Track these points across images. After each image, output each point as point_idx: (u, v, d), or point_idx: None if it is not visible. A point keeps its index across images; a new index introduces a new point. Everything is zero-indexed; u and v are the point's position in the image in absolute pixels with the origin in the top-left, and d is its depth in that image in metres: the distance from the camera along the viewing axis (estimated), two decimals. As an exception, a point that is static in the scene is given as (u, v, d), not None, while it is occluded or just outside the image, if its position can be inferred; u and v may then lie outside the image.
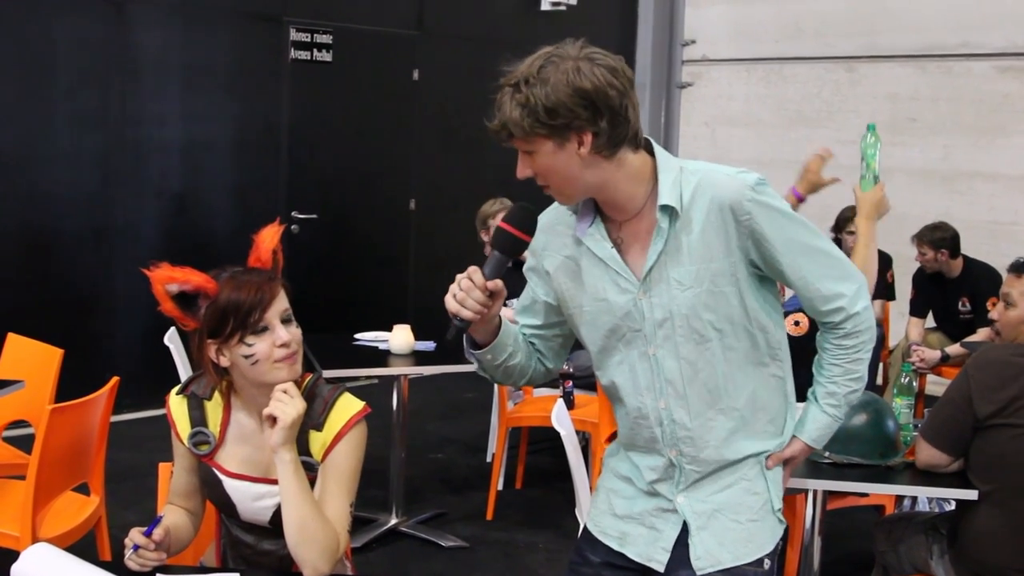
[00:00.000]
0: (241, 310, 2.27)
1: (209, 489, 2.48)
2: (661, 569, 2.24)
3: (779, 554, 2.30)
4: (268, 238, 2.42)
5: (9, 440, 4.52)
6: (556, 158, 2.07)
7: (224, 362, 2.33)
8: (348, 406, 2.38)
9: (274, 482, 2.33)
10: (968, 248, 6.56)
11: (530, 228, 2.16)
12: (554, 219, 2.26)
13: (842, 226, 6.63)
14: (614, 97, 2.04)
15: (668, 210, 2.11)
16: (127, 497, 5.00)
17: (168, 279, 2.30)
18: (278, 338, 2.29)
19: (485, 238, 5.79)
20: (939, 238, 6.38)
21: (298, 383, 2.38)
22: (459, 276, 2.11)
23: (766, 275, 2.20)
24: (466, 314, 2.09)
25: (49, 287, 6.38)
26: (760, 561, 2.24)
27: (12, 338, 4.46)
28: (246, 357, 2.29)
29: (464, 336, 2.20)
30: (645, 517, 2.26)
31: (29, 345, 4.37)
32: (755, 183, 2.13)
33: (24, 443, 4.33)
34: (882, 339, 6.62)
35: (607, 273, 2.17)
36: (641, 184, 2.14)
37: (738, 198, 2.10)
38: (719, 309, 2.13)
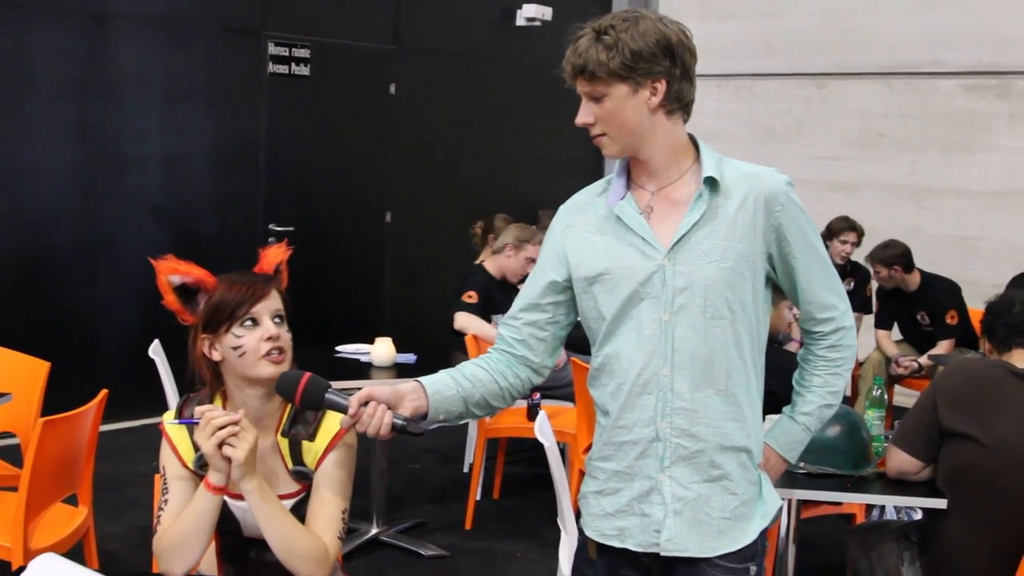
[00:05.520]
0: (231, 304, 2.38)
1: None
2: (661, 552, 2.28)
3: (757, 558, 2.34)
4: (273, 255, 2.54)
5: (-5, 452, 4.55)
6: (626, 103, 2.22)
7: (216, 356, 2.41)
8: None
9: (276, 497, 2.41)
10: (935, 262, 6.68)
11: (292, 390, 2.26)
12: (581, 200, 2.40)
13: (833, 235, 6.92)
14: (688, 56, 2.24)
15: (711, 182, 2.26)
16: (109, 508, 5.03)
17: (172, 271, 2.42)
18: (266, 331, 2.38)
19: (510, 253, 5.91)
20: (890, 255, 6.49)
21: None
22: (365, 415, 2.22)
23: (772, 278, 2.33)
24: (383, 432, 2.21)
25: (33, 300, 6.39)
26: (726, 557, 2.28)
27: (-2, 351, 4.49)
28: (234, 348, 2.38)
29: (409, 423, 2.25)
30: (634, 505, 2.30)
31: (15, 358, 4.40)
32: (789, 181, 2.31)
33: (9, 454, 4.37)
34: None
35: (634, 241, 2.27)
36: (684, 157, 2.31)
37: (775, 191, 2.27)
38: (736, 290, 2.24)
